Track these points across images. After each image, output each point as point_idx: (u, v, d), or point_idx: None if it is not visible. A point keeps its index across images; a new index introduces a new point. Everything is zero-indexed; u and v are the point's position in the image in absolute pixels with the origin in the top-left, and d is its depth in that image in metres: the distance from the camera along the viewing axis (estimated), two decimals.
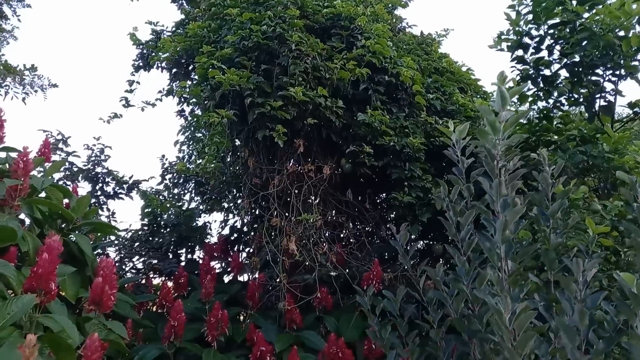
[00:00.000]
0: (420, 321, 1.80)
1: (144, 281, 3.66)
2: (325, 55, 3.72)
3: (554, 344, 1.47)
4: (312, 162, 3.70)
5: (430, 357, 1.80)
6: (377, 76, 3.73)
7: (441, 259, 3.92)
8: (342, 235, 4.06)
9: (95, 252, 2.65)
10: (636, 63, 2.65)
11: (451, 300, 1.61)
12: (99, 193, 4.23)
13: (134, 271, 3.83)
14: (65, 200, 2.68)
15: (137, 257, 3.87)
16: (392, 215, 4.09)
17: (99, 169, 4.27)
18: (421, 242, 4.21)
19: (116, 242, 4.06)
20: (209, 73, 3.29)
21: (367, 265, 3.46)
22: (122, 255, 3.81)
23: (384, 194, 4.13)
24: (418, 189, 3.51)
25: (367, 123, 3.52)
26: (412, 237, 3.72)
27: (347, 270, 3.49)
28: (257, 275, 3.74)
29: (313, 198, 3.68)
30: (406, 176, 3.51)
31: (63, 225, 2.54)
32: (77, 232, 2.51)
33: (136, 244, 3.98)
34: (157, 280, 3.94)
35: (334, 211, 3.92)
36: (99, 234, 2.87)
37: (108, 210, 4.31)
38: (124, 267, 3.77)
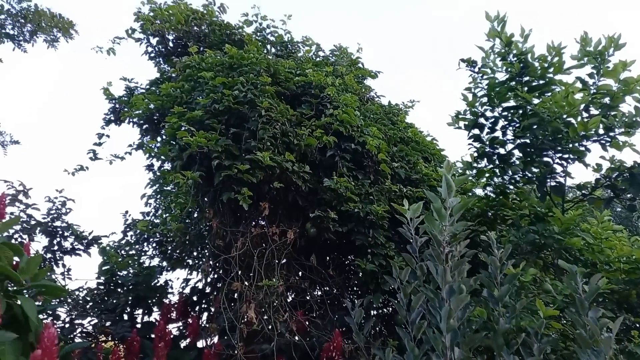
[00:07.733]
0: None
1: (94, 345, 3.47)
2: (295, 121, 3.83)
3: None
4: (277, 225, 3.70)
5: None
6: (344, 144, 3.84)
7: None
8: (304, 301, 3.99)
9: (44, 313, 2.54)
10: (582, 148, 2.84)
11: None
12: (55, 248, 4.08)
13: (84, 333, 3.63)
14: (16, 259, 2.59)
15: (88, 318, 3.68)
16: (356, 282, 4.08)
17: (58, 223, 4.15)
18: (384, 310, 4.17)
19: (69, 300, 3.87)
20: (177, 134, 3.32)
21: (329, 334, 3.38)
22: (73, 316, 3.62)
23: (348, 260, 4.12)
24: (381, 257, 3.53)
25: (333, 189, 3.57)
26: (375, 305, 3.70)
27: (308, 339, 3.40)
28: (214, 341, 3.60)
29: (276, 262, 3.65)
30: (369, 243, 3.54)
31: (10, 287, 2.43)
32: (24, 293, 2.40)
33: (89, 304, 3.80)
34: (109, 343, 3.75)
35: (297, 276, 3.87)
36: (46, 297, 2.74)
37: (64, 266, 4.14)
38: (74, 329, 3.57)
